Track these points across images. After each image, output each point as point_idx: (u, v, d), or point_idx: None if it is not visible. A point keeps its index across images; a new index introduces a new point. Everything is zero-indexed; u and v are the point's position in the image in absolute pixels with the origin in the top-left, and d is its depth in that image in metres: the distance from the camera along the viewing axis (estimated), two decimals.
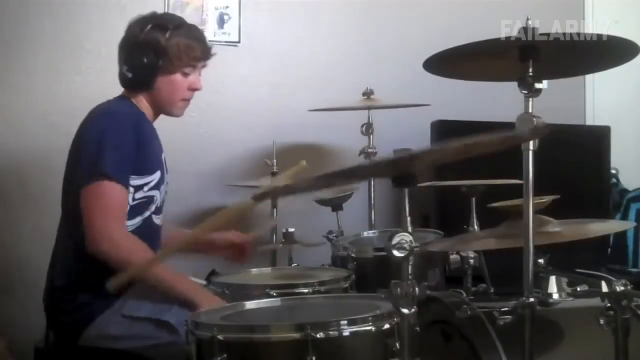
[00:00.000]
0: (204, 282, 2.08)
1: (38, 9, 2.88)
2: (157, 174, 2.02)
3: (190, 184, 2.97)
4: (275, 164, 2.66)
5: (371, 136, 2.86)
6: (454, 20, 3.32)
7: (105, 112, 2.01)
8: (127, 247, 1.84)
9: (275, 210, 2.77)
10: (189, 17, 3.02)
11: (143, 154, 1.96)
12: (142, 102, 2.08)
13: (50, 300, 2.04)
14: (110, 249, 1.82)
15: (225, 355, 1.37)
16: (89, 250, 1.83)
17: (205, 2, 3.06)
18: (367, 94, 2.80)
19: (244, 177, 2.94)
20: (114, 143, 1.90)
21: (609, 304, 1.41)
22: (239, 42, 3.10)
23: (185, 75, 2.06)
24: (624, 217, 3.47)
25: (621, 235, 3.37)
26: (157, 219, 2.07)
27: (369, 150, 2.86)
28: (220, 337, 1.38)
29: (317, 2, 3.26)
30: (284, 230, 2.47)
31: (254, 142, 2.96)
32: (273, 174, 2.64)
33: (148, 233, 1.99)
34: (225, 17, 3.09)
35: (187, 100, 2.12)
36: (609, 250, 3.42)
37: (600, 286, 1.42)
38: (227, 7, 3.09)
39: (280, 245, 2.51)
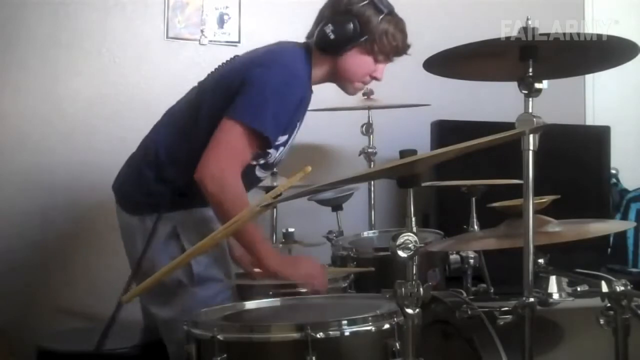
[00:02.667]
0: None
1: (38, 9, 2.88)
2: (285, 137, 2.00)
3: None
4: None
5: (371, 136, 2.86)
6: (454, 20, 3.33)
7: (285, 66, 1.96)
8: (230, 192, 1.82)
9: (275, 210, 2.78)
10: (189, 17, 3.05)
11: (289, 118, 1.96)
12: (320, 66, 2.05)
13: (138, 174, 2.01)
14: (213, 187, 1.80)
15: (225, 355, 1.37)
16: (195, 175, 1.82)
17: (205, 2, 3.06)
18: (367, 94, 2.80)
19: None
20: (281, 103, 1.90)
21: (609, 304, 1.40)
22: (239, 42, 3.10)
23: (375, 61, 2.05)
24: (624, 217, 3.48)
25: (621, 235, 3.37)
26: (260, 172, 2.06)
27: (369, 150, 2.86)
28: (220, 337, 1.38)
29: (317, 2, 3.25)
30: (284, 230, 2.48)
31: None
32: (273, 173, 2.64)
33: (243, 179, 1.94)
34: (225, 17, 3.09)
35: (363, 83, 2.11)
36: (609, 250, 3.42)
37: (600, 286, 1.41)
38: (227, 7, 3.10)
39: (280, 245, 2.51)
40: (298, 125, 2.06)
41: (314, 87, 2.09)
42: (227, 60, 2.09)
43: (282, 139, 1.98)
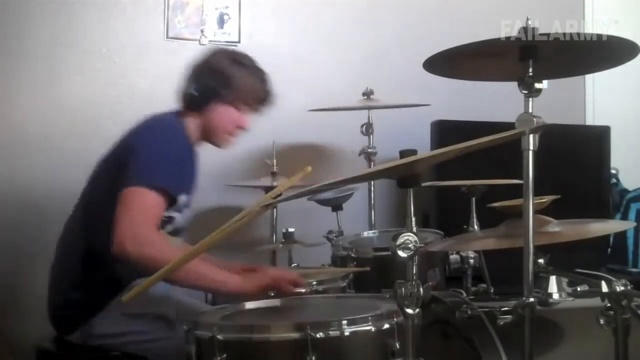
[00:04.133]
0: None
1: (38, 9, 2.88)
2: (185, 197, 2.03)
3: None
4: (275, 164, 2.66)
5: (371, 136, 2.87)
6: (454, 20, 3.33)
7: (163, 129, 2.05)
8: (153, 244, 1.79)
9: (275, 210, 2.78)
10: (189, 17, 3.05)
11: (180, 173, 2.00)
12: (191, 124, 2.12)
13: (51, 295, 2.08)
14: (135, 248, 1.76)
15: (225, 355, 1.37)
16: (114, 252, 1.79)
17: (205, 2, 3.06)
18: (367, 94, 2.80)
19: (244, 177, 2.94)
20: (168, 159, 1.94)
21: (609, 304, 1.40)
22: (239, 42, 3.10)
23: (239, 110, 2.14)
24: (624, 217, 3.47)
25: (621, 235, 3.37)
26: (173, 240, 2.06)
27: (369, 150, 2.86)
28: (220, 336, 1.38)
29: (317, 2, 3.26)
30: (284, 230, 2.47)
31: (253, 142, 2.94)
32: (273, 173, 2.64)
33: None
34: (225, 17, 3.10)
35: (231, 135, 2.18)
36: (609, 250, 3.42)
37: (600, 286, 1.41)
38: (227, 7, 3.10)
39: (280, 245, 2.51)
40: (194, 187, 2.11)
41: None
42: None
43: (183, 198, 2.01)
